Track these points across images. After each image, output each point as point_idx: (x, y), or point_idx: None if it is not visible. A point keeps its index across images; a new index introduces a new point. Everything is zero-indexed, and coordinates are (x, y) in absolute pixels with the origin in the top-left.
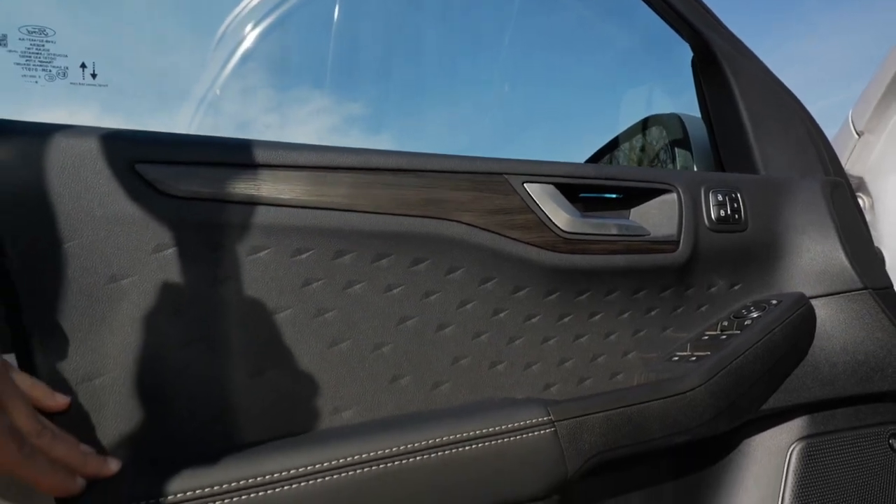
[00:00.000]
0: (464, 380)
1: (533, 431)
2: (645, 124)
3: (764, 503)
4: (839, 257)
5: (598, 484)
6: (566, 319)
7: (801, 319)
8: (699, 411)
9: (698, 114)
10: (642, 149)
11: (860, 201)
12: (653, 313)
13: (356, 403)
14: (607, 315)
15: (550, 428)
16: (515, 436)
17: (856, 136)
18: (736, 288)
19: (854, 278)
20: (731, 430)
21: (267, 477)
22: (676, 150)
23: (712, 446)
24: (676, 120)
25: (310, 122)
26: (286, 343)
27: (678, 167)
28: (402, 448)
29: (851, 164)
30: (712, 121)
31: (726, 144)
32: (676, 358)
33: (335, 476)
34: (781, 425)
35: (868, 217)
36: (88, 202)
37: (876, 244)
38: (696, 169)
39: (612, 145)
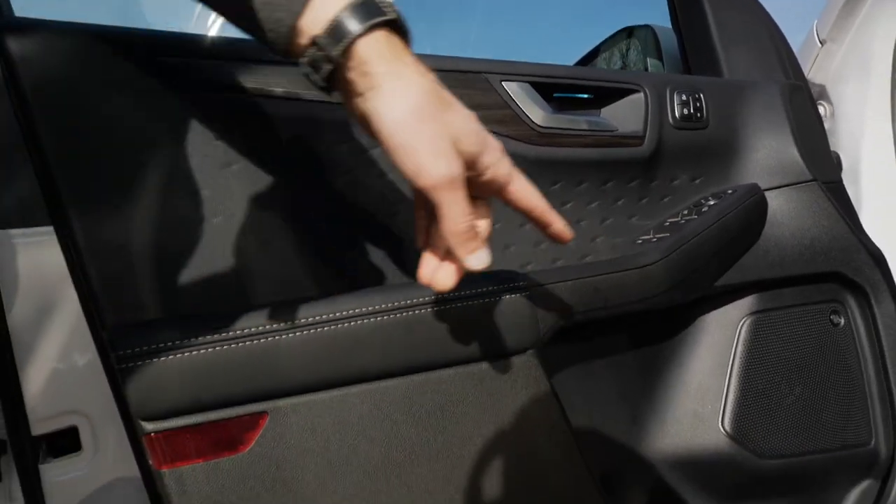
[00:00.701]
0: None
1: (513, 294)
2: (620, 36)
3: (715, 370)
4: (791, 153)
5: (566, 351)
6: None
7: (754, 207)
8: (656, 283)
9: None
10: (619, 58)
11: (821, 108)
12: (619, 203)
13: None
14: (578, 204)
15: (527, 291)
16: (499, 296)
17: (819, 44)
18: (697, 181)
19: (804, 171)
20: (687, 304)
21: (275, 326)
22: (649, 59)
23: (671, 321)
24: (649, 31)
25: None
26: (288, 218)
27: None
28: (399, 303)
29: (814, 73)
30: (681, 28)
31: (693, 50)
32: (640, 241)
33: (337, 326)
34: (734, 302)
35: (828, 124)
36: (114, 88)
37: (834, 149)
38: None
39: (592, 55)
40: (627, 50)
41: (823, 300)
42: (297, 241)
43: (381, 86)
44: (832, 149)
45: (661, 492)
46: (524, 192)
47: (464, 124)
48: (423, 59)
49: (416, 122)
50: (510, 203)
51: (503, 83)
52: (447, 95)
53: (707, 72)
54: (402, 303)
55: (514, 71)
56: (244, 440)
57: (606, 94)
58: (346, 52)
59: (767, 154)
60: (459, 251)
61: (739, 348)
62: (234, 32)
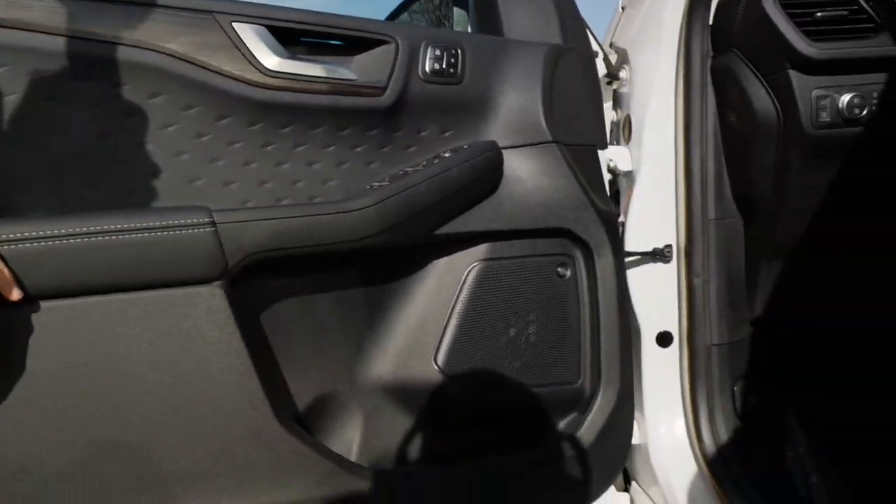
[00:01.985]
0: (162, 191)
1: (194, 229)
2: None
3: (437, 309)
4: (535, 113)
5: (287, 285)
6: (269, 147)
7: (486, 162)
8: (367, 226)
9: None
10: (433, 8)
11: (624, 72)
12: (358, 149)
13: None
14: (312, 146)
15: (211, 227)
16: (178, 230)
17: (620, 9)
18: (447, 134)
19: (545, 132)
20: (420, 248)
21: None
22: (456, 10)
23: (403, 263)
24: None
25: None
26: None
27: (454, 28)
28: (82, 230)
29: (618, 37)
30: None
31: (479, 9)
32: (375, 186)
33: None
34: (466, 250)
35: (626, 88)
36: None
37: (628, 112)
38: (469, 31)
39: (408, 3)
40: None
41: (552, 253)
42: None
43: None
44: (628, 112)
45: (374, 413)
46: None
47: None
48: None
49: None
50: None
51: (234, 24)
52: None
53: (489, 29)
54: (93, 228)
55: (248, 13)
56: None
57: (358, 44)
58: None
59: (514, 113)
60: None
61: (464, 291)
62: None
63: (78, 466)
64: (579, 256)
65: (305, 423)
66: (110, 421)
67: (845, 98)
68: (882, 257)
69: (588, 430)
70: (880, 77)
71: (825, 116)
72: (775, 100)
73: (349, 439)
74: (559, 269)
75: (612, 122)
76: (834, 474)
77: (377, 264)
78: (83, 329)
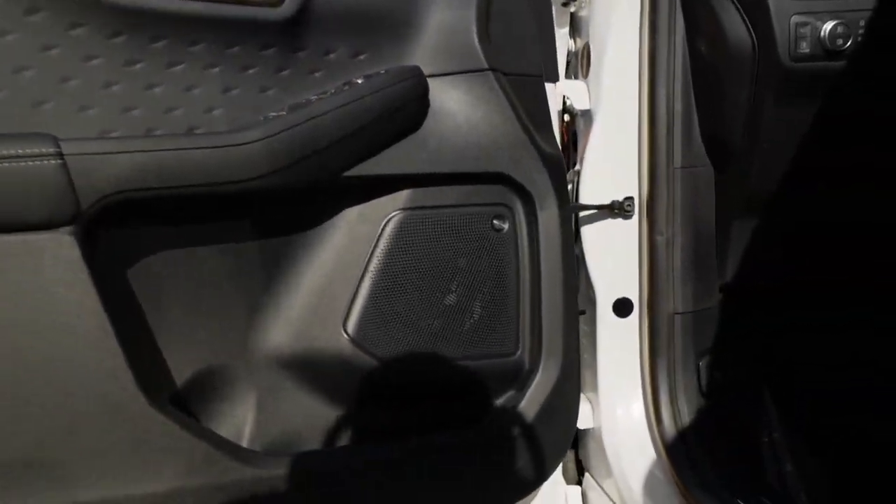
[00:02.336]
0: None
1: (35, 161)
2: None
3: (348, 267)
4: (469, 36)
5: (160, 232)
6: (137, 66)
7: (406, 91)
8: (252, 165)
9: None
10: None
11: None
12: (250, 72)
13: None
14: (191, 67)
15: (58, 160)
16: (15, 162)
17: None
18: (361, 58)
19: (479, 58)
20: (325, 193)
21: None
22: None
23: (305, 212)
24: None
25: None
26: None
27: None
28: None
29: None
30: None
31: None
32: (270, 117)
33: None
34: (382, 197)
35: (585, 11)
36: None
37: (587, 40)
38: None
39: None
40: None
41: (486, 203)
42: None
43: None
44: (586, 40)
45: (270, 392)
46: None
47: None
48: None
49: None
50: None
51: None
52: None
53: None
54: None
55: None
56: None
57: None
58: None
59: (442, 34)
60: None
61: (380, 246)
62: None
63: None
64: (519, 207)
65: (185, 402)
66: None
67: (828, 26)
68: (867, 200)
69: (527, 408)
70: (868, 2)
71: (804, 47)
72: (750, 26)
73: (239, 423)
74: (495, 222)
75: (570, 52)
76: (811, 462)
77: (274, 212)
78: None
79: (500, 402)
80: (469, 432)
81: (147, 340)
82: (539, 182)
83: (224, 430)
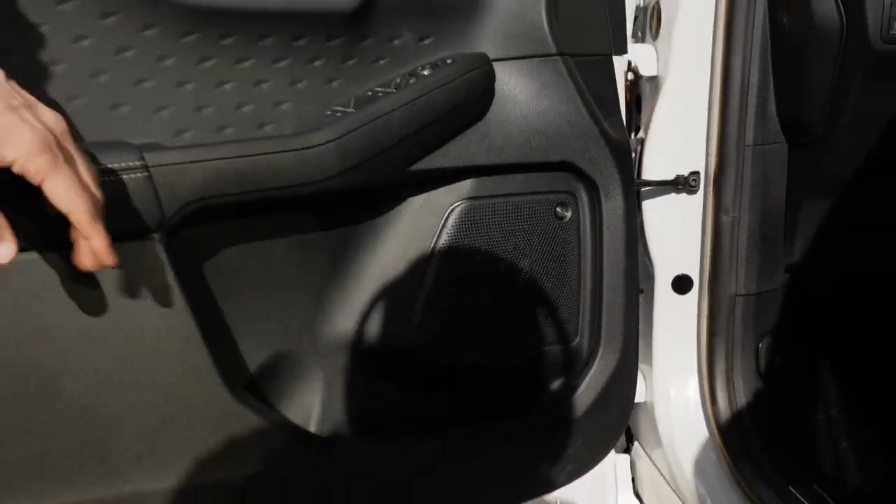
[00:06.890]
0: (79, 122)
1: (124, 174)
2: None
3: (412, 255)
4: (537, 17)
5: (232, 231)
6: (208, 63)
7: (476, 82)
8: (324, 167)
9: None
10: None
11: None
12: (317, 63)
13: None
14: (260, 61)
15: (144, 172)
16: (104, 177)
17: None
18: (426, 42)
19: (547, 42)
20: (387, 187)
21: None
22: None
23: (369, 204)
24: None
25: None
26: None
27: None
28: None
29: None
30: None
31: None
32: (339, 113)
33: None
34: (446, 187)
35: None
36: None
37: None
38: None
39: None
40: None
41: (551, 191)
42: None
43: None
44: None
45: (336, 375)
46: (58, 195)
47: None
48: None
49: None
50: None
51: None
52: None
53: None
54: None
55: None
56: None
57: None
58: None
59: (510, 16)
60: None
61: (443, 236)
62: None
63: (8, 443)
64: (583, 195)
65: (258, 387)
66: (42, 394)
67: None
68: None
69: (583, 395)
70: None
71: None
72: (840, 2)
73: (308, 405)
74: (558, 210)
75: (638, 8)
76: (870, 440)
77: (339, 205)
78: (2, 293)
79: (556, 388)
80: (527, 419)
81: (226, 334)
82: (605, 170)
83: (294, 413)
